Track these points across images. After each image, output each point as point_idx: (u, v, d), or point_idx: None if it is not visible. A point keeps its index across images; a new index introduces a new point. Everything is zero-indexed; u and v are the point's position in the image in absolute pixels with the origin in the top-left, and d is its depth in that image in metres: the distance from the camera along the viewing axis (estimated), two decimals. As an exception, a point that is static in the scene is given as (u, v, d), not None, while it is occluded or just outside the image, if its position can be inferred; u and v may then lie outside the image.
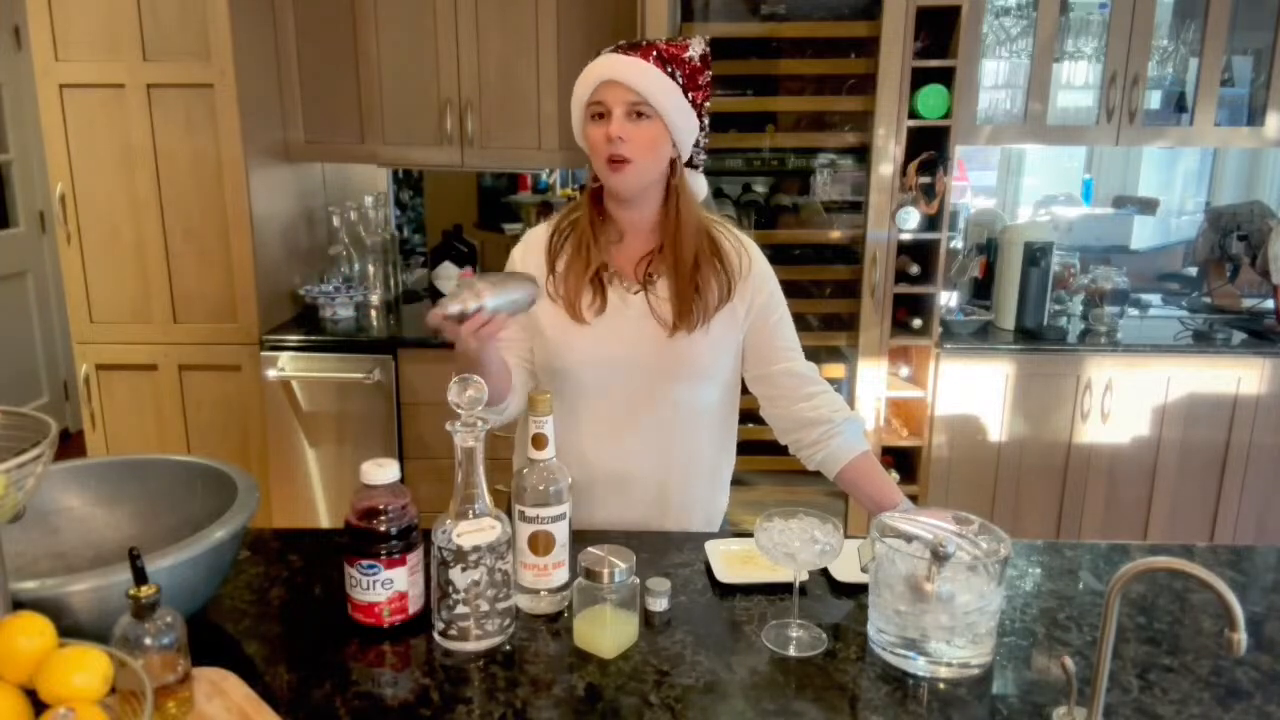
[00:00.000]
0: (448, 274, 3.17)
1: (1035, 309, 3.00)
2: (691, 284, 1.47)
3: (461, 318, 1.25)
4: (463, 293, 1.25)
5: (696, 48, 1.44)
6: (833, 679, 1.14)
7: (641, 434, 1.54)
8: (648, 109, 1.40)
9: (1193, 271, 3.55)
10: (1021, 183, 3.78)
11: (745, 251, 1.54)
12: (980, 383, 2.94)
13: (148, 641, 0.94)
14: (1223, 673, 1.15)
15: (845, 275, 2.96)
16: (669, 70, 1.41)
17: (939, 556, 1.11)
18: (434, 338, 1.25)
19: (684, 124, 1.44)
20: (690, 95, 1.43)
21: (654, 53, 1.41)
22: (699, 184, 1.55)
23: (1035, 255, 2.96)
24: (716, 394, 1.57)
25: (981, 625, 1.13)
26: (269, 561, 1.41)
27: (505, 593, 1.18)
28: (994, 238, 3.17)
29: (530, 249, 1.56)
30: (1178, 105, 3.12)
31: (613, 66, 1.40)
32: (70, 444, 4.03)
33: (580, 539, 1.29)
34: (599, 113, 1.42)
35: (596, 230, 1.50)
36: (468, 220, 3.91)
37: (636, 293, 1.50)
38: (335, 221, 3.23)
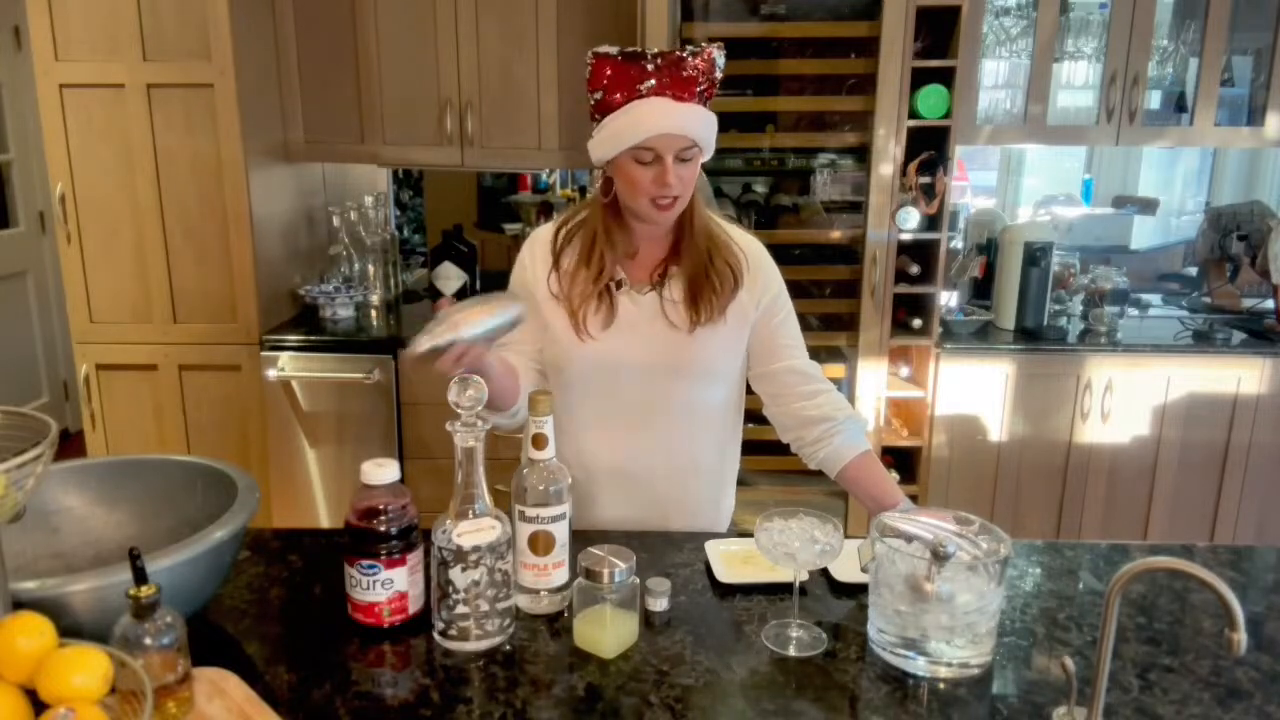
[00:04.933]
0: (448, 274, 3.17)
1: (1035, 309, 3.00)
2: (705, 278, 1.48)
3: (435, 352, 1.23)
4: (436, 327, 1.24)
5: (720, 59, 1.42)
6: (833, 679, 1.14)
7: (647, 434, 1.54)
8: (695, 150, 1.41)
9: (1193, 271, 3.55)
10: (1021, 183, 3.78)
11: (739, 245, 1.54)
12: (980, 383, 2.94)
13: (148, 641, 0.94)
14: (1223, 673, 1.15)
15: (845, 275, 2.96)
16: (704, 99, 1.41)
17: (939, 556, 1.11)
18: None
19: (713, 139, 1.45)
20: (709, 103, 1.44)
21: (696, 85, 1.39)
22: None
23: (1035, 255, 2.96)
24: (723, 393, 1.58)
25: (981, 625, 1.13)
26: (269, 561, 1.41)
27: (505, 593, 1.18)
28: (994, 238, 3.17)
29: (537, 249, 1.55)
30: (1178, 105, 3.12)
31: (669, 118, 1.37)
32: (70, 444, 4.02)
33: (580, 539, 1.29)
34: (648, 159, 1.39)
35: (617, 242, 1.49)
36: (468, 220, 3.91)
37: (648, 293, 1.51)
38: (335, 221, 3.23)
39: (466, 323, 1.24)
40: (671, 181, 1.39)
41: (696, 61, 1.39)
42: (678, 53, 1.39)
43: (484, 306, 1.29)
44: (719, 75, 1.42)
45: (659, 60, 1.38)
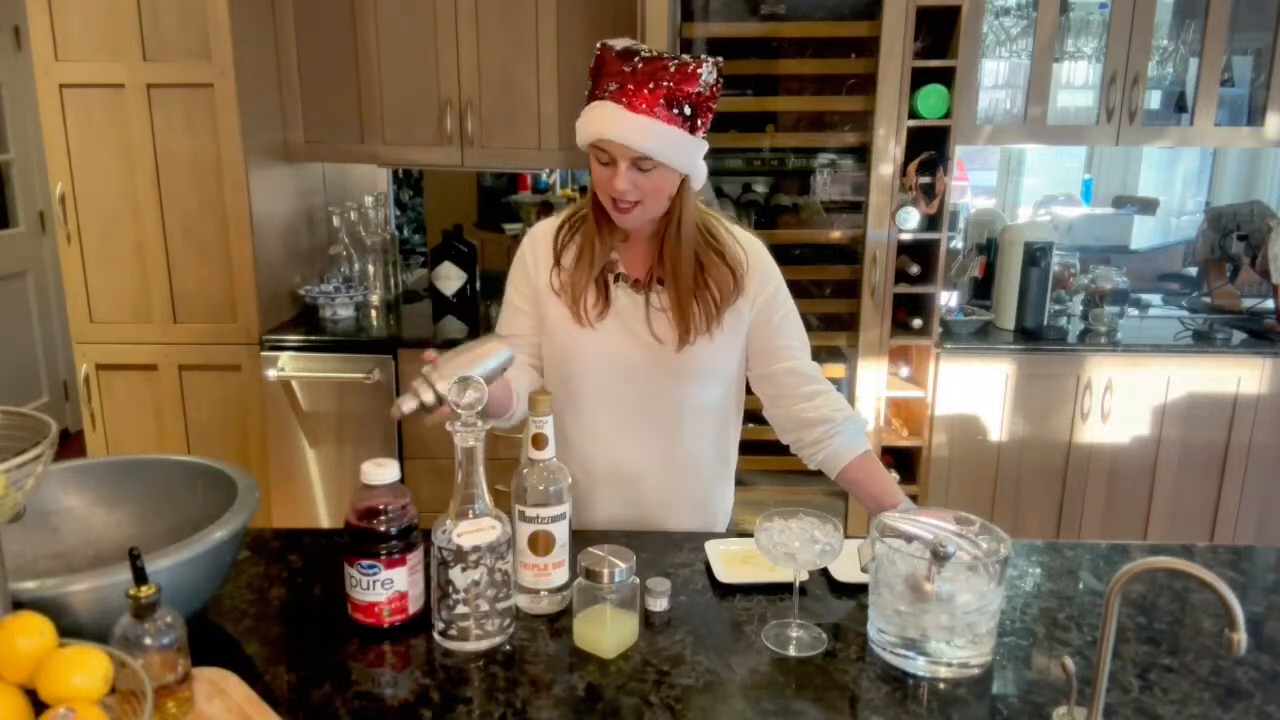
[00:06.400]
0: (448, 274, 3.17)
1: (1035, 309, 3.00)
2: (692, 295, 1.46)
3: (425, 409, 1.22)
4: (419, 386, 1.22)
5: (708, 74, 1.37)
6: (833, 679, 1.14)
7: (646, 433, 1.54)
8: (651, 162, 1.36)
9: (1193, 271, 3.55)
10: (1021, 183, 3.78)
11: (741, 244, 1.53)
12: (980, 383, 2.94)
13: (148, 641, 0.94)
14: (1223, 673, 1.15)
15: (845, 275, 2.96)
16: (675, 110, 1.35)
17: (939, 556, 1.11)
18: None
19: (689, 157, 1.40)
20: (700, 120, 1.39)
21: (661, 96, 1.34)
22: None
23: (1035, 255, 2.96)
24: (720, 392, 1.58)
25: (981, 625, 1.13)
26: (269, 561, 1.41)
27: (505, 593, 1.18)
28: (994, 238, 3.17)
29: (538, 243, 1.56)
30: (1178, 105, 3.12)
31: (615, 126, 1.34)
32: (70, 444, 4.02)
33: (580, 539, 1.29)
34: (604, 160, 1.38)
35: (603, 229, 1.49)
36: (468, 220, 3.91)
37: (641, 295, 1.50)
38: (335, 221, 3.23)
39: (445, 379, 1.21)
40: (620, 186, 1.37)
41: (675, 74, 1.35)
42: (665, 60, 1.36)
43: (471, 354, 1.26)
44: (702, 90, 1.36)
45: (639, 65, 1.35)
